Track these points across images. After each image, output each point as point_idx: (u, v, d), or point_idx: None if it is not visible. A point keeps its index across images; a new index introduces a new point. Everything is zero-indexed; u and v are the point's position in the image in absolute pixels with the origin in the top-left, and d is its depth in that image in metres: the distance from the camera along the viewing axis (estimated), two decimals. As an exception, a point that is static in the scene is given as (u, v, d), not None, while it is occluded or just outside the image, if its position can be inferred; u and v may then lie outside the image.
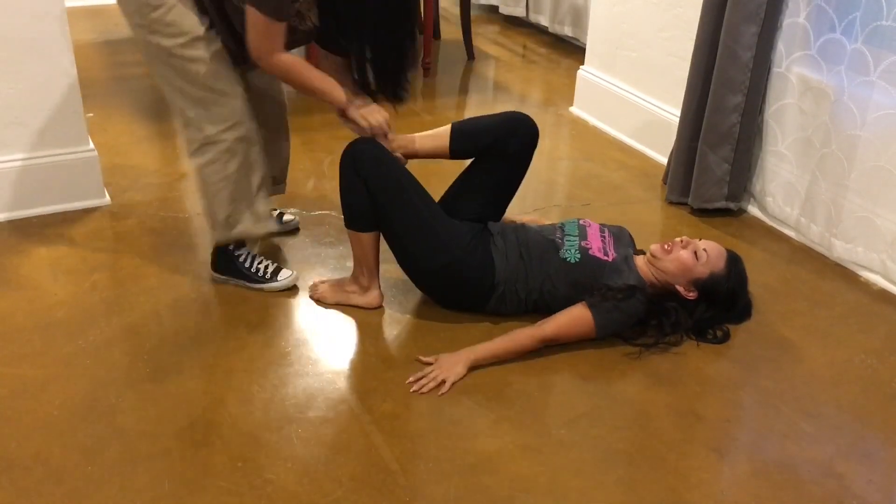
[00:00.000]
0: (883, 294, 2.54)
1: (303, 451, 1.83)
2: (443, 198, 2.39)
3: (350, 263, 2.40)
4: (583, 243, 2.26)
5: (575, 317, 2.16)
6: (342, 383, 2.06)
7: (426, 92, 4.15)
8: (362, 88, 2.19)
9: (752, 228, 2.90)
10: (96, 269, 2.48)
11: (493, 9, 5.56)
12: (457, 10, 5.00)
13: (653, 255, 2.26)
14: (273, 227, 2.43)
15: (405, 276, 2.37)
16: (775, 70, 2.80)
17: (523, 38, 5.10)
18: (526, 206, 2.95)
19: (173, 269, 2.49)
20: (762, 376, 2.15)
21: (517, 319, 2.29)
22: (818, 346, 2.28)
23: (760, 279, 2.54)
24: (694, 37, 2.88)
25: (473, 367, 2.10)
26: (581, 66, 3.81)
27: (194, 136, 2.23)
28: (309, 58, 3.45)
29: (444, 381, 2.04)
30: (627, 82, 3.53)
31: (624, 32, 3.47)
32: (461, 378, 2.07)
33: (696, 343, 2.25)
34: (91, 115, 3.39)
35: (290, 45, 2.14)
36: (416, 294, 2.41)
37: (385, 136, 2.22)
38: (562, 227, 2.35)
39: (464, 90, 4.24)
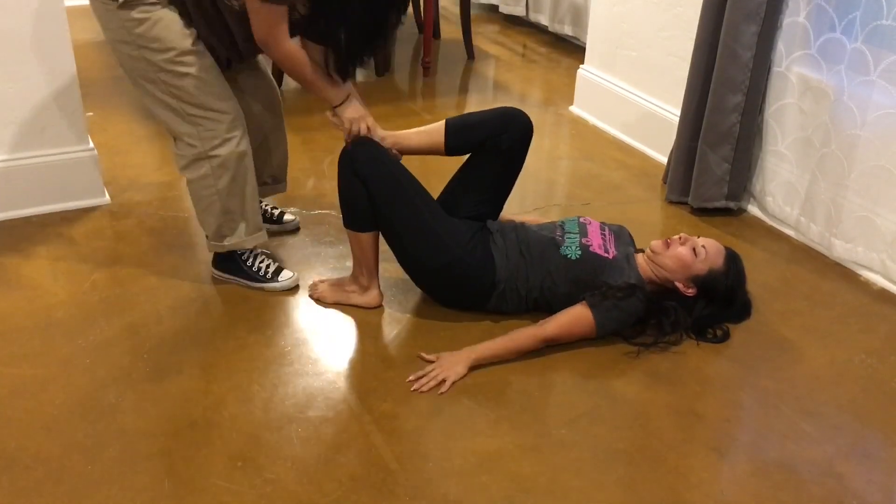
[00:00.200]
0: (883, 294, 2.54)
1: (303, 451, 1.84)
2: (441, 196, 2.39)
3: (350, 263, 2.40)
4: (583, 240, 2.26)
5: (575, 316, 2.16)
6: (342, 383, 2.06)
7: (426, 91, 4.15)
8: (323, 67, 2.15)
9: (752, 228, 2.90)
10: (96, 269, 2.48)
11: (493, 8, 5.56)
12: (457, 10, 5.00)
13: (652, 251, 2.26)
14: (265, 237, 2.42)
15: (405, 276, 2.37)
16: (775, 70, 2.79)
17: (523, 38, 5.10)
18: (526, 206, 2.95)
19: (173, 269, 2.49)
20: (762, 376, 2.15)
21: (518, 318, 2.29)
22: (818, 346, 2.28)
23: (760, 279, 2.54)
24: (694, 36, 2.88)
25: (474, 367, 2.10)
26: (581, 66, 3.81)
27: (185, 153, 2.22)
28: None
29: (444, 381, 2.04)
30: (627, 82, 3.52)
31: (624, 32, 3.47)
32: (461, 377, 2.07)
33: (695, 342, 2.25)
34: (91, 114, 3.39)
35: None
36: (416, 293, 2.41)
37: (358, 133, 2.20)
38: (562, 224, 2.35)
39: (464, 90, 4.24)
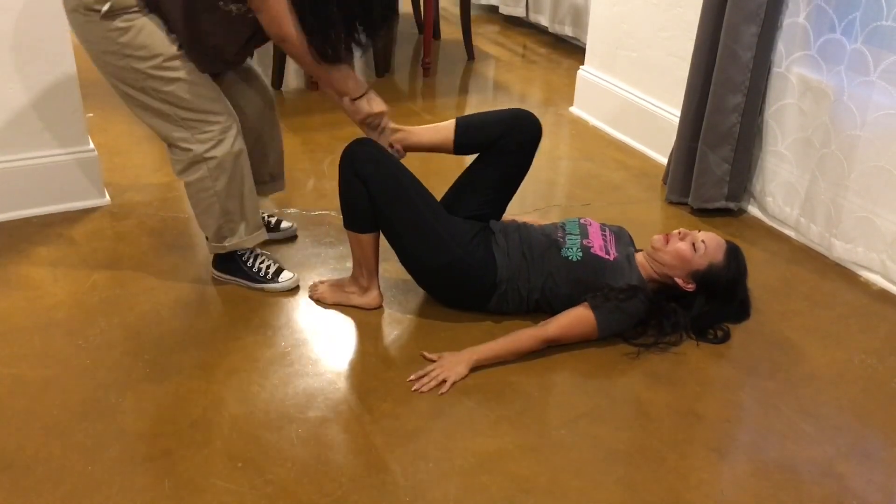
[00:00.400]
0: (883, 294, 2.54)
1: (303, 451, 1.84)
2: (445, 196, 2.39)
3: (350, 264, 2.40)
4: (584, 242, 2.26)
5: (577, 317, 2.16)
6: (342, 383, 2.06)
7: (426, 92, 4.15)
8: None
9: (752, 228, 2.91)
10: (96, 269, 2.48)
11: (493, 9, 5.56)
12: (457, 10, 5.00)
13: (652, 247, 2.26)
14: (265, 236, 2.43)
15: (405, 277, 2.37)
16: (775, 70, 2.80)
17: (523, 38, 5.10)
18: (526, 206, 2.95)
19: (173, 269, 2.49)
20: (762, 376, 2.15)
21: (519, 319, 2.29)
22: (818, 346, 2.28)
23: (760, 279, 2.54)
24: (694, 37, 2.88)
25: (475, 368, 2.10)
26: (581, 66, 3.81)
27: (180, 157, 2.22)
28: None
29: (444, 381, 2.05)
30: (627, 82, 3.53)
31: (624, 32, 3.47)
32: (462, 378, 2.07)
33: (695, 343, 2.25)
34: (91, 115, 3.39)
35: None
36: (416, 294, 2.41)
37: (378, 127, 2.21)
38: (563, 226, 2.35)
39: (464, 90, 4.24)
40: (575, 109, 3.87)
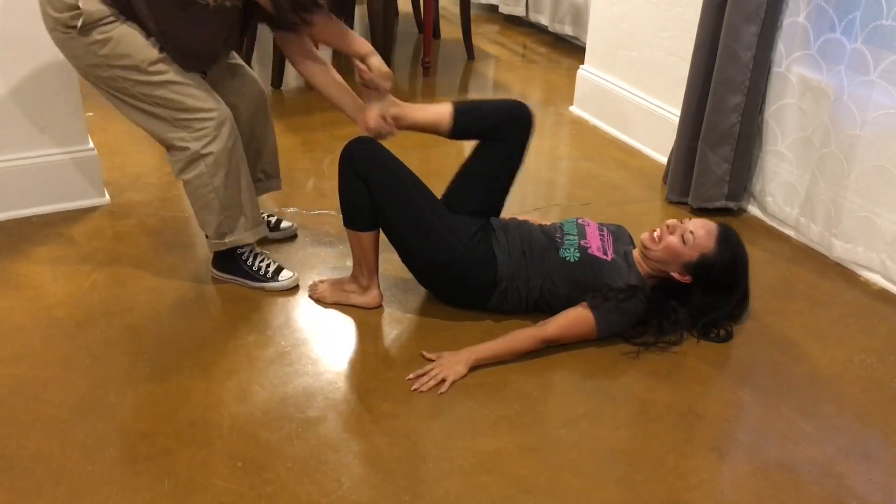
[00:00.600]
0: (883, 294, 2.54)
1: (303, 451, 1.84)
2: (443, 195, 2.39)
3: (350, 263, 2.40)
4: (582, 242, 2.26)
5: (576, 317, 2.16)
6: (342, 383, 2.06)
7: (426, 91, 4.15)
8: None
9: (752, 228, 2.91)
10: (96, 269, 2.48)
11: (493, 8, 5.56)
12: (457, 10, 5.00)
13: (644, 246, 2.26)
14: (265, 231, 2.43)
15: (405, 276, 2.37)
16: (775, 70, 2.80)
17: (523, 38, 5.10)
18: (526, 206, 2.95)
19: (173, 269, 2.49)
20: (762, 376, 2.15)
21: (518, 318, 2.29)
22: (818, 346, 2.28)
23: (760, 279, 2.54)
24: (694, 37, 2.88)
25: (474, 367, 2.10)
26: (581, 66, 3.81)
27: (179, 157, 2.22)
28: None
29: (444, 380, 2.05)
30: (627, 82, 3.53)
31: (624, 32, 3.47)
32: (461, 377, 2.07)
33: (696, 342, 2.25)
34: (91, 114, 3.39)
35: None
36: (417, 293, 2.41)
37: (383, 91, 2.21)
38: (561, 226, 2.35)
39: (464, 90, 4.24)
40: (575, 109, 3.87)
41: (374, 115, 2.23)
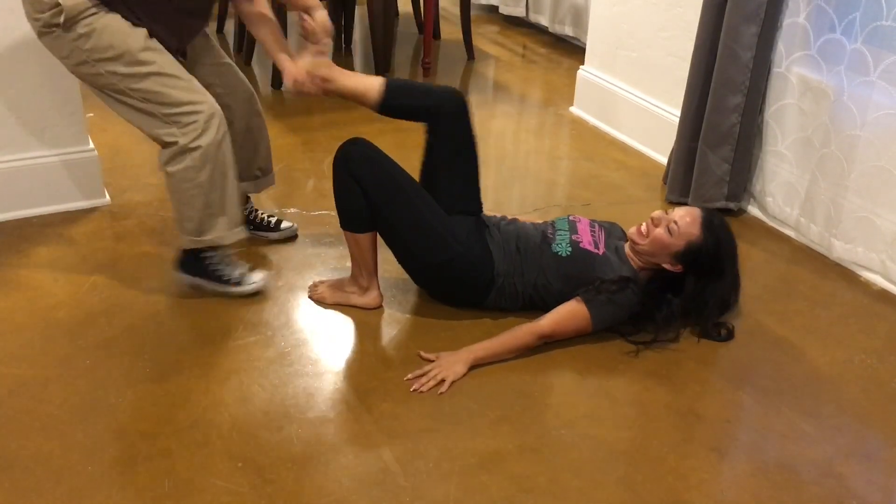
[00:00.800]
0: (883, 294, 2.54)
1: (303, 452, 1.84)
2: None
3: (350, 264, 2.40)
4: (573, 237, 2.27)
5: (570, 311, 2.17)
6: (342, 383, 2.06)
7: (426, 92, 4.15)
8: None
9: (752, 228, 2.91)
10: (96, 269, 2.48)
11: (493, 9, 5.56)
12: (457, 10, 5.00)
13: (632, 241, 2.27)
14: (244, 234, 2.36)
15: (404, 276, 2.37)
16: (775, 70, 2.80)
17: (523, 38, 5.10)
18: (526, 206, 2.95)
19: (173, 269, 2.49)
20: (762, 376, 2.15)
21: (516, 317, 2.29)
22: (818, 346, 2.28)
23: (760, 279, 2.54)
24: (694, 37, 2.88)
25: (473, 367, 2.11)
26: (581, 66, 3.81)
27: (169, 150, 2.20)
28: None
29: (443, 380, 2.05)
30: (627, 82, 3.53)
31: (624, 32, 3.47)
32: (461, 377, 2.07)
33: (696, 342, 2.25)
34: (91, 115, 3.39)
35: None
36: (416, 294, 2.41)
37: (323, 45, 2.21)
38: (553, 223, 2.37)
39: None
40: (575, 109, 3.87)
41: (302, 69, 2.22)
